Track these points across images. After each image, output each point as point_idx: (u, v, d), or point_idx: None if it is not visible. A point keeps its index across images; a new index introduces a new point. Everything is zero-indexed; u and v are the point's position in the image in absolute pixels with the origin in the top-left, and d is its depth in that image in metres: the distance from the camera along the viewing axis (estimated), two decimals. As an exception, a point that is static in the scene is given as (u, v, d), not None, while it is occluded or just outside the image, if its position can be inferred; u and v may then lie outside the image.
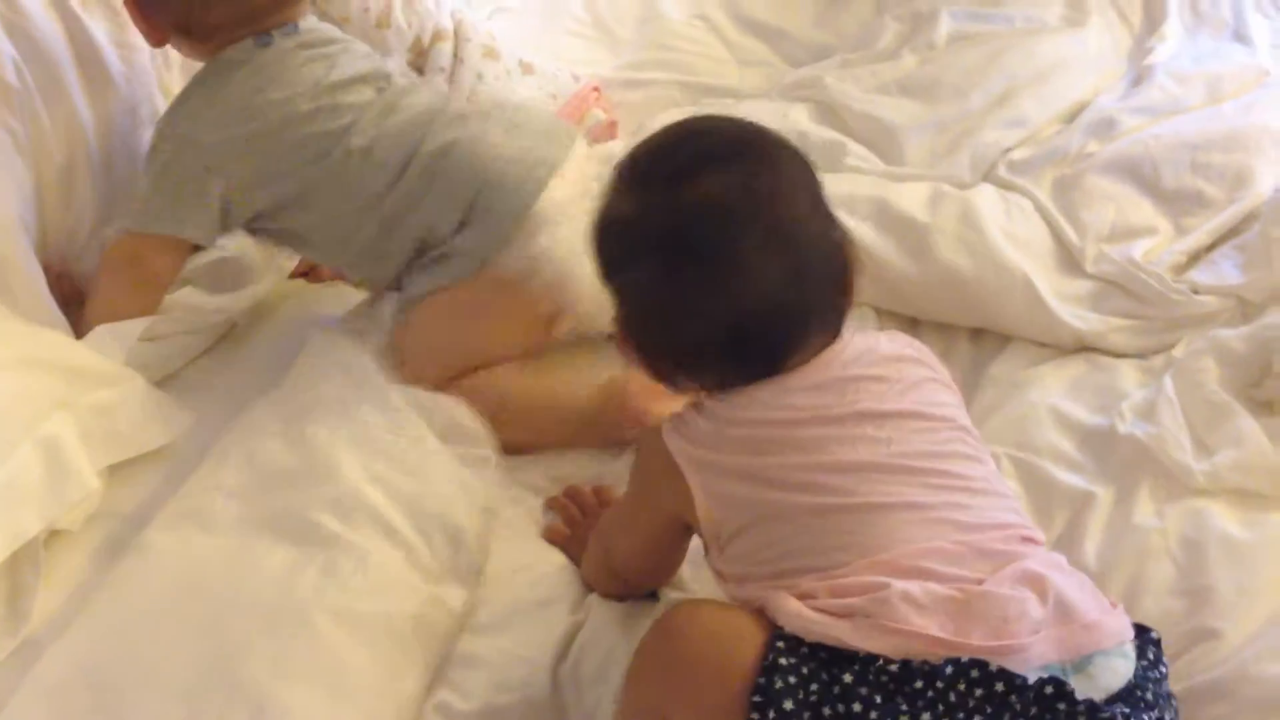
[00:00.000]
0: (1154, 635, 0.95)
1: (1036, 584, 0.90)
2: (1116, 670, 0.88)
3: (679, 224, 0.96)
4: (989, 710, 0.83)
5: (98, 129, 1.49)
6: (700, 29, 2.04)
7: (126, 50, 1.53)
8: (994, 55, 1.73)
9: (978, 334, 1.49)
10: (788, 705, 0.85)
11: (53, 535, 1.22)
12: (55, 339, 1.31)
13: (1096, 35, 1.81)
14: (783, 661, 0.87)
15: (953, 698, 0.84)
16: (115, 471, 1.29)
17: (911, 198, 1.53)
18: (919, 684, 0.84)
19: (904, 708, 0.84)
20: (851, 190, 1.52)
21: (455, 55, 1.82)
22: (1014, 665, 0.84)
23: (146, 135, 1.46)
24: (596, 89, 1.91)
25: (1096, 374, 1.38)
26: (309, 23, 1.41)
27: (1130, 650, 0.90)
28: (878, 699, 0.84)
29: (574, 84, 1.90)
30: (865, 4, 2.01)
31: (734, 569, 0.97)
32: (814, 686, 0.85)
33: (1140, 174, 1.54)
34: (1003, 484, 1.02)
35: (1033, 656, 0.85)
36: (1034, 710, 0.83)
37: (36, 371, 1.23)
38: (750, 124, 1.03)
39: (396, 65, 1.69)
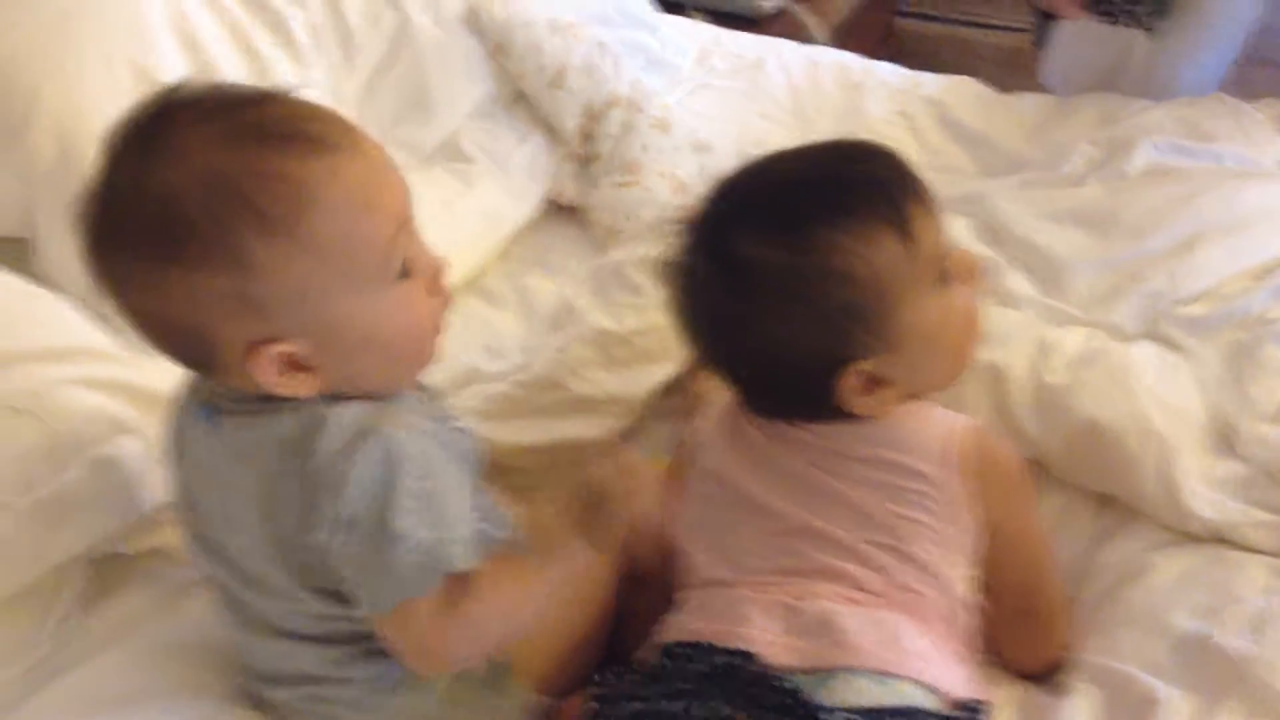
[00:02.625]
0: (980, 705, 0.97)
1: (807, 610, 0.99)
2: (860, 688, 0.93)
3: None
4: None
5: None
6: (900, 128, 1.95)
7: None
8: (1187, 196, 1.55)
9: (1103, 502, 1.34)
10: None
11: (109, 558, 1.24)
12: (143, 366, 1.33)
13: (1319, 186, 1.61)
14: None
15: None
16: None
17: (1069, 344, 1.40)
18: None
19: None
20: (1003, 324, 1.40)
21: (625, 123, 1.79)
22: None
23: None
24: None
25: (1217, 570, 1.20)
26: None
27: (898, 685, 0.94)
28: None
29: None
30: (1083, 121, 1.88)
31: None
32: None
33: (1327, 351, 1.36)
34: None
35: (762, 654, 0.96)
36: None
37: (110, 394, 1.25)
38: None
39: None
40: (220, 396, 1.00)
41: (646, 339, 1.42)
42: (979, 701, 0.99)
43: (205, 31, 1.56)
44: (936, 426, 1.06)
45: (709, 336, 1.08)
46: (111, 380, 1.27)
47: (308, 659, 1.04)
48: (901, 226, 1.01)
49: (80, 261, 0.94)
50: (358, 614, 0.98)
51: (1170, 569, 1.23)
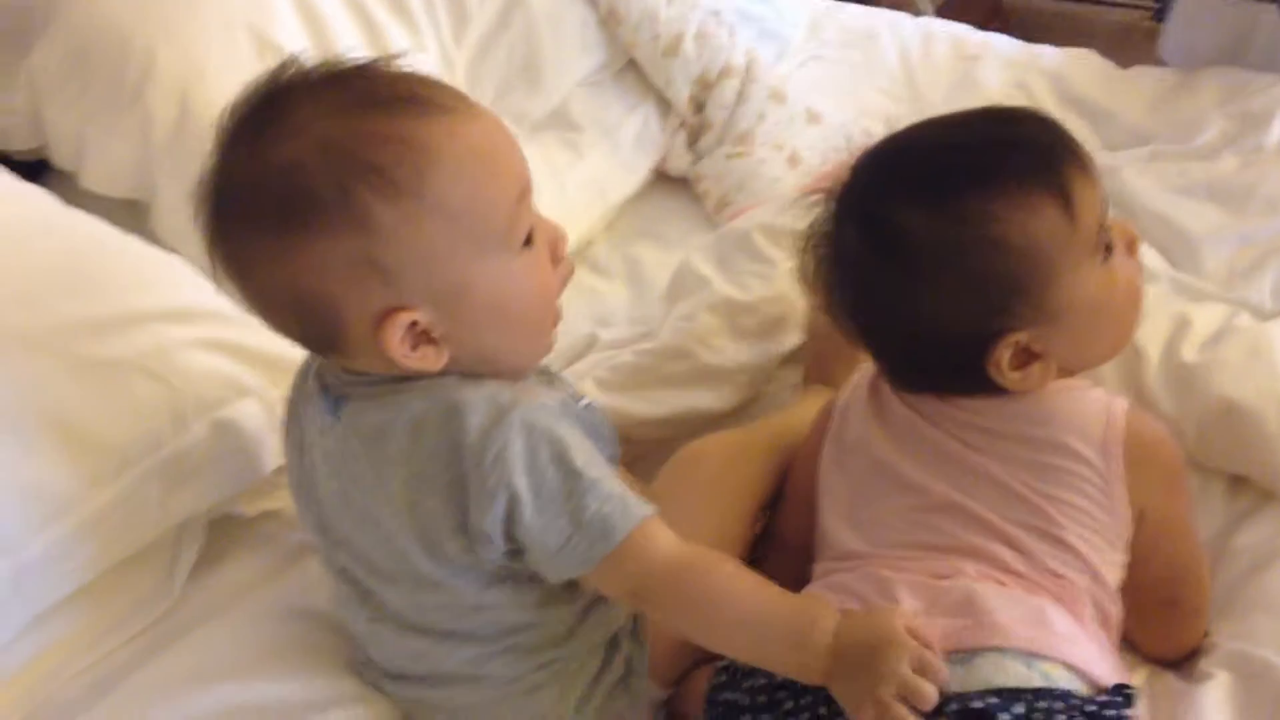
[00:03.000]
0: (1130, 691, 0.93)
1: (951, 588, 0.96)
2: (1006, 669, 0.90)
3: None
4: None
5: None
6: (1017, 99, 1.90)
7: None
8: (1327, 170, 1.51)
9: (1237, 484, 1.29)
10: None
11: (224, 518, 1.25)
12: (263, 328, 1.34)
13: None
14: None
15: None
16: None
17: (1206, 320, 1.35)
18: None
19: None
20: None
21: (740, 93, 1.77)
22: None
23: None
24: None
25: (1358, 555, 1.16)
26: None
27: (1044, 666, 0.91)
28: None
29: (865, 139, 1.81)
30: (1209, 95, 1.81)
31: None
32: None
33: None
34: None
35: None
36: None
37: (231, 357, 1.25)
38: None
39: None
40: (343, 383, 0.99)
41: (773, 307, 1.39)
42: (1129, 687, 0.95)
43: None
44: (1095, 406, 1.02)
45: (858, 309, 1.05)
46: (232, 343, 1.27)
47: (441, 656, 1.02)
48: (1060, 193, 0.97)
49: (200, 240, 0.95)
50: (515, 595, 0.98)
51: (1309, 553, 1.18)
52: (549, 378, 1.08)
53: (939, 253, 0.97)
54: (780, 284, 1.39)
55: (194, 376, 1.21)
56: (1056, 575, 0.98)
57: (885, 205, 1.00)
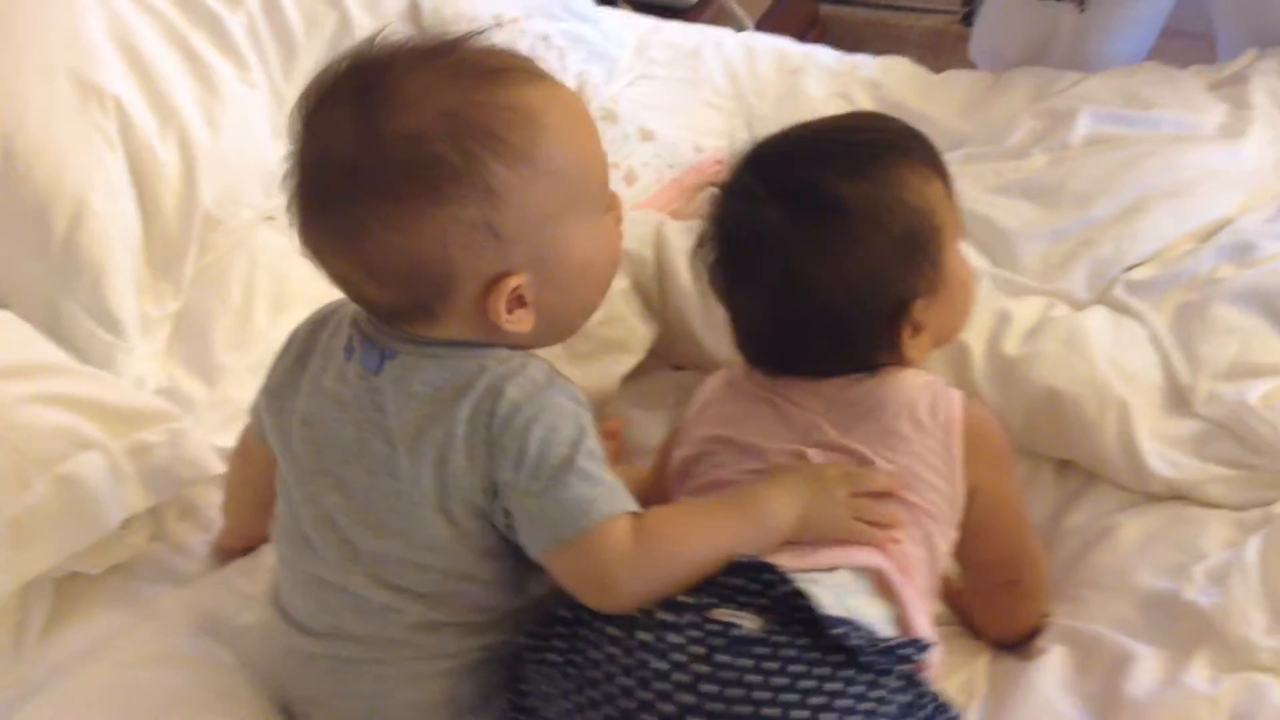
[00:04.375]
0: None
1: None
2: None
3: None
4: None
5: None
6: (840, 109, 1.96)
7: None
8: (1130, 162, 1.59)
9: (1064, 468, 1.37)
10: None
11: (71, 577, 1.23)
12: (103, 380, 1.32)
13: (1257, 148, 1.64)
14: None
15: None
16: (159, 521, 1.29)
17: (1025, 314, 1.42)
18: None
19: None
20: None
21: (573, 114, 1.79)
22: None
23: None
24: (720, 162, 1.85)
25: (1180, 528, 1.23)
26: None
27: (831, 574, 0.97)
28: None
29: (695, 155, 1.85)
30: (1018, 95, 1.90)
31: None
32: None
33: (1273, 306, 1.38)
34: None
35: None
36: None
37: (70, 410, 1.23)
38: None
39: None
40: (390, 338, 0.99)
41: (610, 329, 1.41)
42: (926, 642, 0.99)
43: (144, 37, 1.53)
44: (938, 389, 1.08)
45: (764, 289, 1.08)
46: (70, 395, 1.25)
47: (398, 617, 1.01)
48: (943, 173, 1.10)
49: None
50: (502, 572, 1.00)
51: (1134, 530, 1.25)
52: None
53: (865, 211, 1.04)
54: (616, 305, 1.42)
55: (33, 433, 1.19)
56: (896, 541, 1.03)
57: (807, 174, 1.06)
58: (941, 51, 2.85)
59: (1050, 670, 1.13)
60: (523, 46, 1.78)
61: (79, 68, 1.46)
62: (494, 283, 0.94)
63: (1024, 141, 1.71)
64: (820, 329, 1.07)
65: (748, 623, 0.92)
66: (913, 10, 3.28)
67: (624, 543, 0.94)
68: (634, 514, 0.96)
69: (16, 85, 1.42)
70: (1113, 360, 1.36)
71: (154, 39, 1.55)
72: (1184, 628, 1.13)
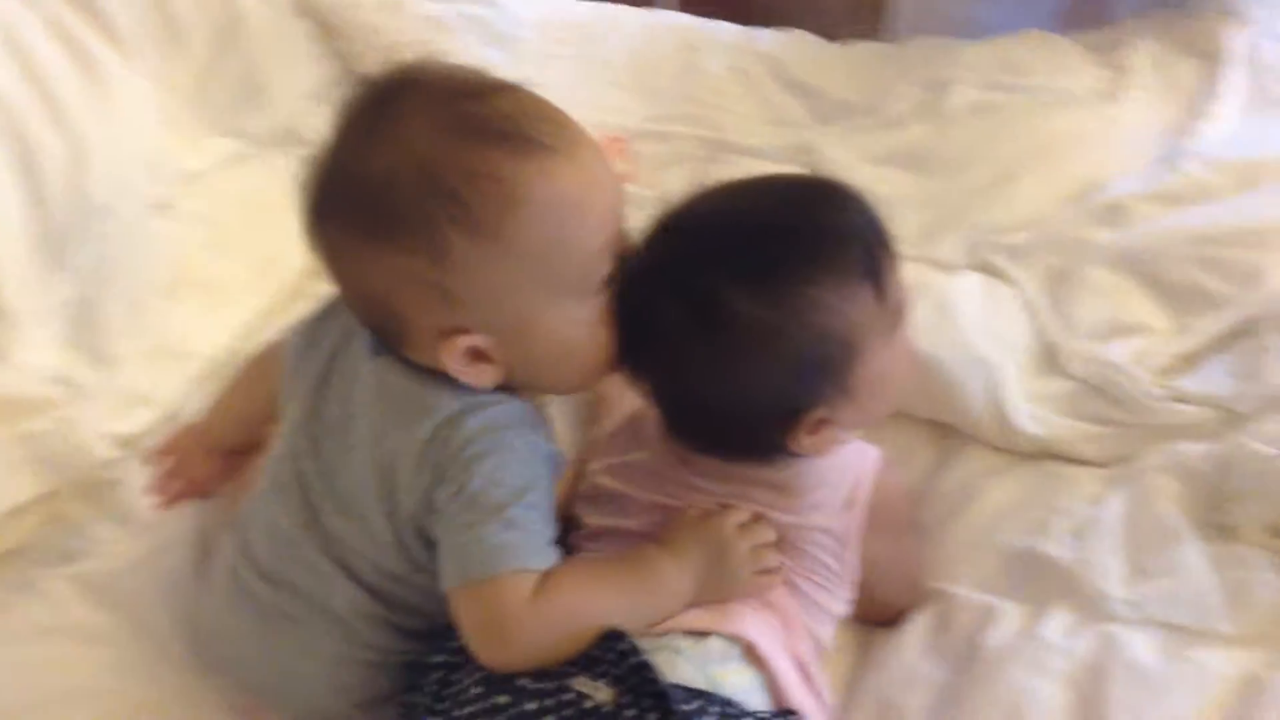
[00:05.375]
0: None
1: None
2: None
3: None
4: None
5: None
6: (736, 83, 1.99)
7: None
8: (1000, 127, 1.62)
9: (941, 431, 1.40)
10: None
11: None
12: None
13: (1132, 110, 1.67)
14: None
15: None
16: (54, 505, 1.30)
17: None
18: None
19: None
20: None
21: (467, 101, 1.80)
22: None
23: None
24: (619, 140, 1.87)
25: (1046, 486, 1.28)
26: None
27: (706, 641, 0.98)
28: None
29: (600, 135, 1.87)
30: (906, 65, 1.92)
31: None
32: None
33: (1143, 267, 1.42)
34: None
35: None
36: None
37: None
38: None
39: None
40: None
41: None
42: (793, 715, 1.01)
43: (26, 28, 1.52)
44: (851, 470, 1.08)
45: (659, 376, 1.04)
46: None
47: (338, 590, 1.03)
48: (876, 280, 1.00)
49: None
50: (422, 587, 1.01)
51: (1002, 490, 1.29)
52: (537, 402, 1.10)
53: (762, 334, 0.97)
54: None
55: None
56: (774, 606, 1.06)
57: (710, 281, 0.98)
58: (860, 19, 2.83)
59: (912, 635, 1.17)
60: (410, 31, 1.80)
61: (-43, 59, 1.47)
62: (447, 335, 0.94)
63: (901, 111, 1.74)
64: (710, 423, 1.06)
65: (600, 694, 0.93)
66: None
67: (523, 599, 0.94)
68: (545, 573, 0.96)
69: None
70: (981, 324, 1.39)
71: (36, 28, 1.54)
72: (1044, 583, 1.16)
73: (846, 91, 1.92)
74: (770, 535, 1.05)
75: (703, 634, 0.99)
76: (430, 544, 0.98)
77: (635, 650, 0.93)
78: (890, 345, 1.04)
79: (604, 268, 0.97)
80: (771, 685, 1.01)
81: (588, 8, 2.21)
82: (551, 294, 0.95)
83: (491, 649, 0.95)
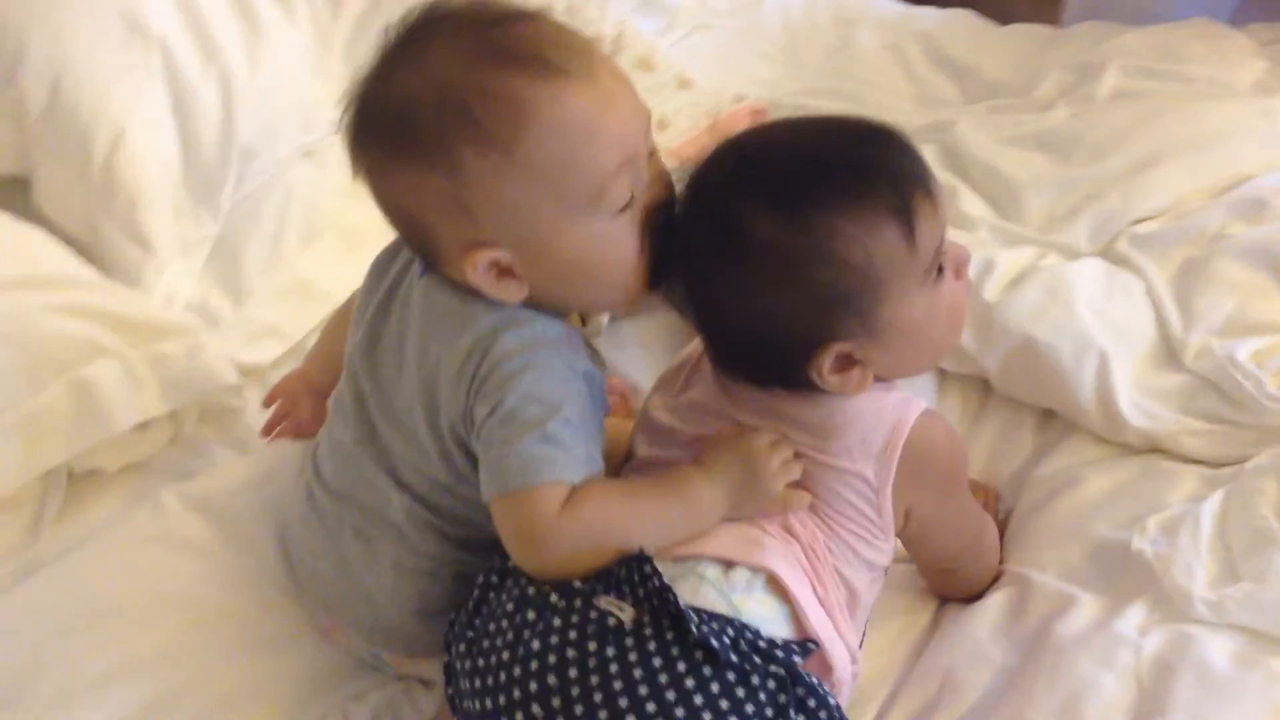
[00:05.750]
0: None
1: None
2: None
3: None
4: None
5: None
6: (889, 60, 1.98)
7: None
8: (1150, 116, 1.56)
9: (1047, 417, 1.37)
10: None
11: (88, 473, 1.33)
12: (127, 295, 1.42)
13: (1294, 106, 1.60)
14: None
15: None
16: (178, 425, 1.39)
17: (1011, 262, 1.42)
18: None
19: None
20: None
21: (605, 61, 1.83)
22: None
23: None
24: (760, 111, 1.87)
25: (1148, 481, 1.23)
26: None
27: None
28: None
29: (735, 104, 1.88)
30: (1071, 52, 1.87)
31: None
32: None
33: (1278, 263, 1.37)
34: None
35: None
36: None
37: (91, 321, 1.33)
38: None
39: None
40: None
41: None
42: (811, 644, 1.00)
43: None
44: (887, 416, 1.05)
45: (696, 298, 1.05)
46: (92, 307, 1.35)
47: (394, 500, 1.08)
48: (905, 219, 0.98)
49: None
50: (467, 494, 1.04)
51: (1101, 481, 1.26)
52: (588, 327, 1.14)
53: (781, 259, 0.98)
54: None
55: (52, 339, 1.30)
56: (812, 548, 1.05)
57: (736, 205, 0.99)
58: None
59: (985, 615, 1.15)
60: (561, -1, 1.83)
61: (127, 7, 1.57)
62: (469, 249, 0.97)
63: (1049, 93, 1.70)
64: (739, 345, 1.06)
65: (624, 614, 0.95)
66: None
67: (557, 508, 0.97)
68: (581, 485, 0.98)
69: (65, 22, 1.53)
70: (1099, 310, 1.35)
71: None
72: (1129, 577, 1.13)
73: (1001, 73, 1.89)
74: (792, 453, 1.04)
75: (729, 563, 1.00)
76: (472, 455, 1.02)
77: (656, 573, 0.96)
78: (926, 293, 1.02)
79: (622, 188, 0.98)
80: (795, 619, 1.01)
81: (749, -22, 2.21)
82: (566, 211, 0.97)
83: (528, 556, 0.99)
